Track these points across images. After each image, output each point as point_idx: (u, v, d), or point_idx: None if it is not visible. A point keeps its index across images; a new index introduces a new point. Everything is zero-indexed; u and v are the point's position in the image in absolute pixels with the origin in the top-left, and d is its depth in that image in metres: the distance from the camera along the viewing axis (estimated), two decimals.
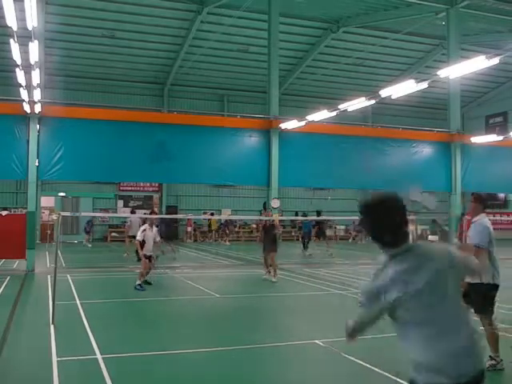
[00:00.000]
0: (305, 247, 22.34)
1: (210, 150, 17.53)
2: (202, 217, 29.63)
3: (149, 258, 12.28)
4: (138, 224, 20.63)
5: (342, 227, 34.37)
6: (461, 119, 22.39)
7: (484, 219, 6.07)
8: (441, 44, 27.18)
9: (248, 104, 30.74)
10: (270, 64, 19.11)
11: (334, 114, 17.75)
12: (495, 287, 5.98)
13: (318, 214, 22.79)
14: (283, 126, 18.13)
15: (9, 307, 9.53)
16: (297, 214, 30.38)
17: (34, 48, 12.80)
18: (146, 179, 24.61)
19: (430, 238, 13.92)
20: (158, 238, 12.60)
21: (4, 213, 16.05)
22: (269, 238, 13.91)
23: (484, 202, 6.24)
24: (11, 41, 12.65)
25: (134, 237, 20.78)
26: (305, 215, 22.76)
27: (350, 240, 31.57)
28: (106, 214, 28.95)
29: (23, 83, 15.58)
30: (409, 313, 2.55)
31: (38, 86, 14.89)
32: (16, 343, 7.16)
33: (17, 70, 15.32)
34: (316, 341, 7.17)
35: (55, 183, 26.98)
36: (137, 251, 12.70)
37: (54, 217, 23.71)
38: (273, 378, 6.00)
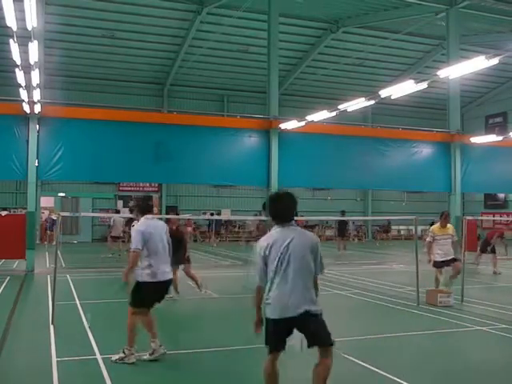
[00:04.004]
0: None
1: (210, 150, 17.52)
2: (202, 217, 29.64)
3: None
4: (121, 224, 20.67)
5: None
6: (460, 119, 22.38)
7: (138, 223, 6.51)
8: (440, 44, 27.18)
9: (248, 104, 30.74)
10: (269, 64, 19.11)
11: (333, 114, 17.75)
12: (148, 284, 6.14)
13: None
14: (283, 126, 18.13)
15: (9, 307, 9.53)
16: (296, 215, 30.31)
17: (34, 48, 12.78)
18: (146, 179, 24.61)
19: None
20: None
21: (4, 213, 16.04)
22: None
23: (139, 206, 6.51)
24: (11, 41, 12.65)
25: (118, 237, 20.80)
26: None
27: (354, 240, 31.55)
28: (106, 214, 28.94)
29: (23, 83, 15.58)
30: None
31: (38, 86, 14.88)
32: (16, 343, 7.15)
33: (16, 70, 15.31)
34: None
35: (55, 183, 26.99)
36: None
37: (54, 217, 23.71)
38: None
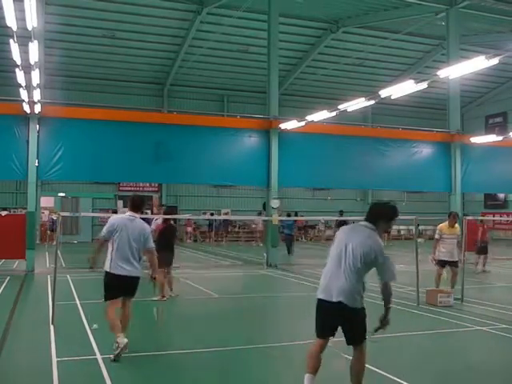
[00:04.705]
0: (289, 252, 21.38)
1: (210, 150, 17.51)
2: (202, 217, 29.66)
3: None
4: None
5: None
6: (460, 119, 22.37)
7: (115, 216, 7.30)
8: (440, 44, 27.18)
9: (248, 104, 30.74)
10: (269, 64, 19.09)
11: (333, 114, 17.73)
12: (109, 275, 6.51)
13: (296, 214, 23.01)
14: (283, 126, 18.12)
15: (9, 307, 9.53)
16: (296, 215, 30.40)
17: (34, 48, 12.78)
18: (146, 179, 24.60)
19: None
20: None
21: (4, 213, 16.04)
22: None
23: (129, 201, 7.25)
24: (11, 41, 12.64)
25: None
26: (288, 215, 22.80)
27: None
28: (106, 214, 28.96)
29: (23, 83, 15.57)
30: None
31: (38, 86, 14.87)
32: (16, 343, 7.15)
33: (17, 70, 15.31)
34: None
35: (55, 183, 26.98)
36: None
37: (54, 217, 23.71)
38: (273, 378, 6.00)
